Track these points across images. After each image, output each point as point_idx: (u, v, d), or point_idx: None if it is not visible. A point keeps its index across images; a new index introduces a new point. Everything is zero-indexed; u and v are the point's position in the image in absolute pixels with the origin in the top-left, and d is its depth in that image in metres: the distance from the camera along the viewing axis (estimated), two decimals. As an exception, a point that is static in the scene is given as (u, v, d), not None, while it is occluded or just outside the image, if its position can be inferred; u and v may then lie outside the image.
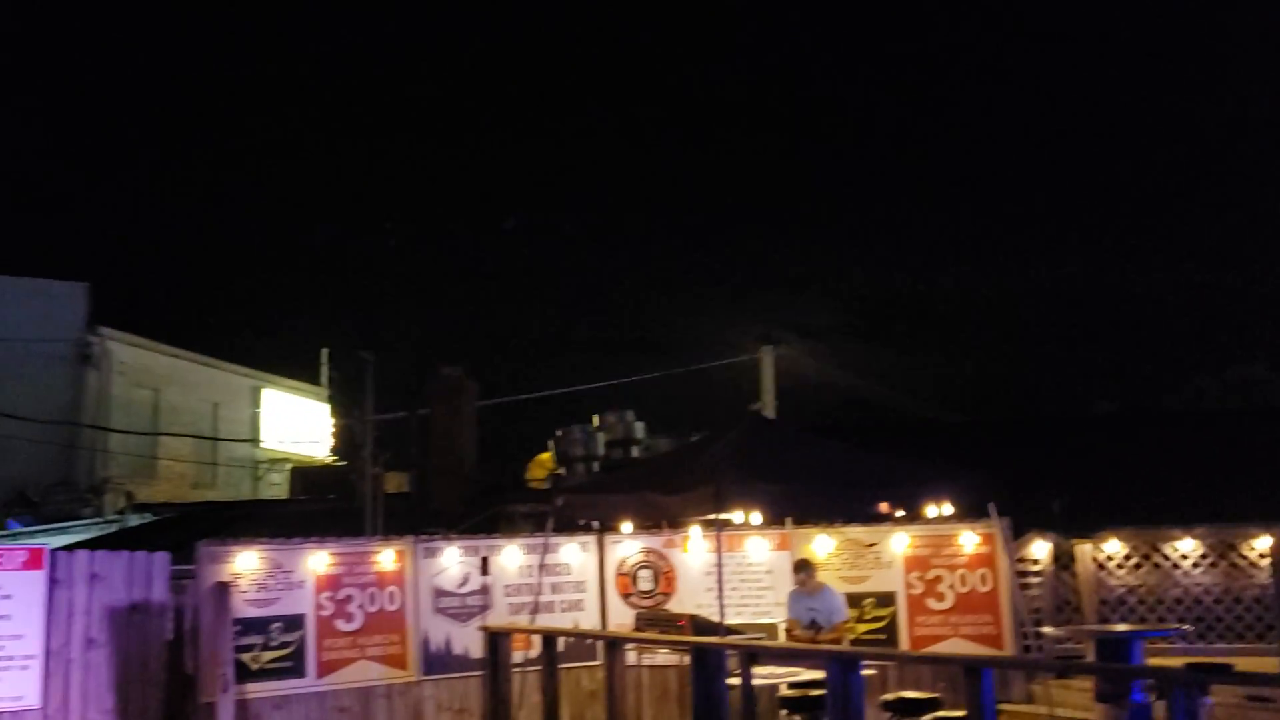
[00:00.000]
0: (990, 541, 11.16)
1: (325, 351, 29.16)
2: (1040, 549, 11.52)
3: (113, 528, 18.21)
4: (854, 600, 11.10)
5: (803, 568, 10.08)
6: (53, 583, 9.36)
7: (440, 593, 10.98)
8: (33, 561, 9.37)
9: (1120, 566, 11.26)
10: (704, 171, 53.70)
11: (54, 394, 21.25)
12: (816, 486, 9.33)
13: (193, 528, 14.06)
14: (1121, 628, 9.40)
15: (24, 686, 9.07)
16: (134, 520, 18.78)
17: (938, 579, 11.28)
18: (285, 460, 26.79)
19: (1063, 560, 11.52)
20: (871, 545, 11.45)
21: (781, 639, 10.04)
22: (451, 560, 11.10)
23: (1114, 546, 11.26)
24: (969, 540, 11.24)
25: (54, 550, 9.74)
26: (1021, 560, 11.52)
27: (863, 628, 11.22)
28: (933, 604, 11.26)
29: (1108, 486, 13.84)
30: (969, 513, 10.71)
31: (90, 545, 11.65)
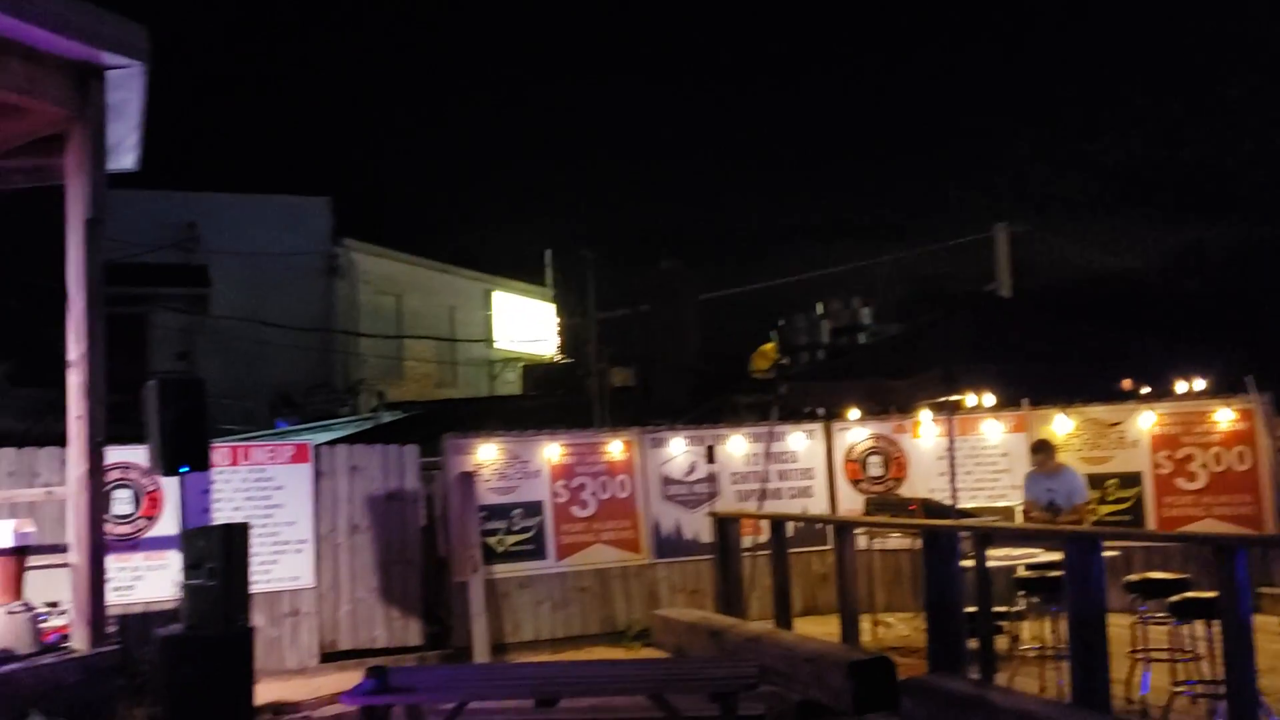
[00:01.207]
0: (1249, 418, 10.47)
1: (549, 253, 29.97)
2: (1307, 425, 10.73)
3: (368, 424, 19.48)
4: (1096, 481, 10.70)
5: (1041, 448, 9.74)
6: (318, 474, 10.17)
7: (668, 480, 11.28)
8: (299, 456, 10.19)
9: (1400, 442, 10.37)
10: (932, 46, 51.34)
11: (309, 303, 22.76)
12: (1053, 365, 8.98)
13: (437, 423, 14.86)
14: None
15: (300, 568, 9.96)
16: (386, 417, 20.02)
17: (1189, 458, 10.70)
18: (517, 359, 27.88)
19: (1332, 436, 10.70)
20: (1114, 424, 10.96)
21: (1018, 522, 9.80)
22: (677, 449, 11.36)
23: (1393, 420, 10.36)
24: (1224, 417, 10.58)
25: (317, 446, 10.55)
26: (1285, 437, 10.79)
27: (1105, 509, 10.82)
28: (1183, 484, 10.71)
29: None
30: (1224, 388, 10.07)
31: (348, 441, 12.52)
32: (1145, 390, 9.93)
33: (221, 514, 9.62)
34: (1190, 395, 9.89)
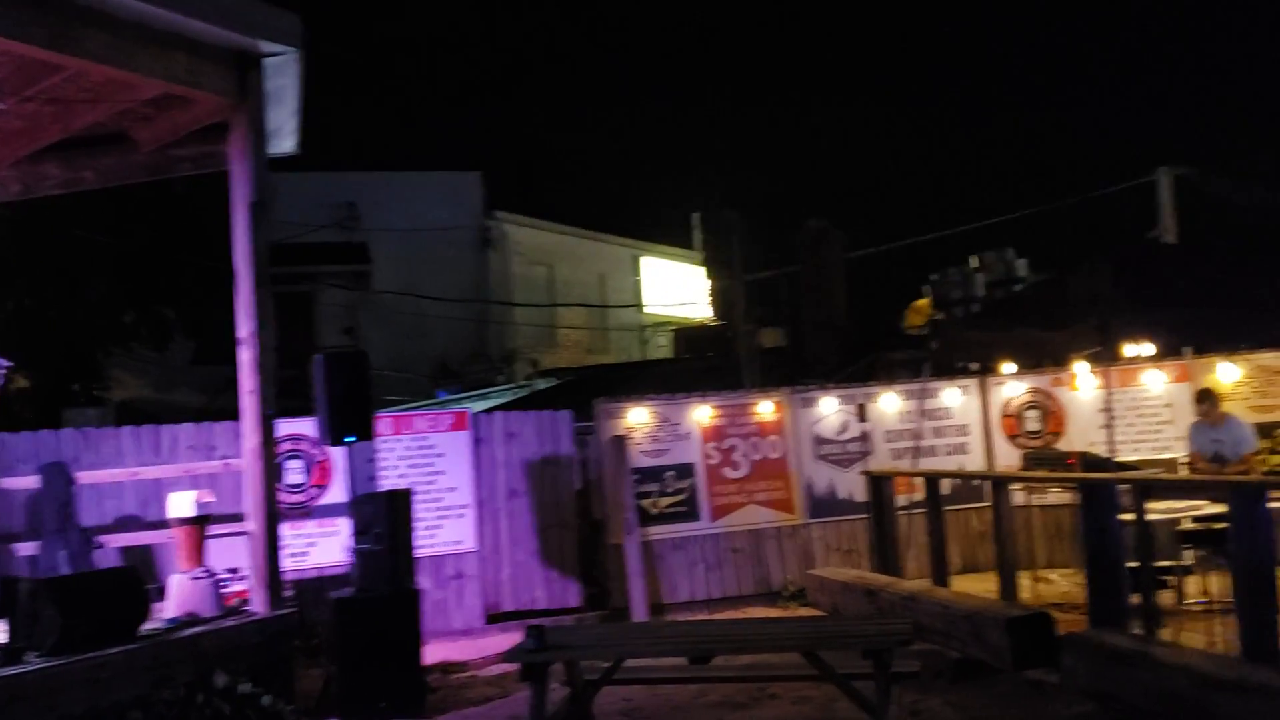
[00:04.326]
0: None
1: (696, 216, 29.96)
2: None
3: (523, 392, 19.97)
4: (1265, 430, 10.19)
5: (1205, 398, 9.35)
6: (476, 441, 10.52)
7: (820, 440, 11.25)
8: (459, 423, 10.56)
9: None
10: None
11: (464, 276, 23.38)
12: (1217, 312, 8.57)
13: (590, 389, 15.13)
14: None
15: (462, 532, 10.35)
16: (540, 385, 20.47)
17: (1370, 404, 10.09)
18: (667, 323, 28.05)
19: None
20: (1286, 371, 10.41)
21: (1183, 474, 9.44)
22: (829, 409, 11.31)
23: None
24: None
25: (475, 414, 10.91)
26: None
27: (1276, 459, 10.31)
28: (1364, 432, 10.12)
29: None
30: None
31: (504, 409, 12.88)
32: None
33: (387, 481, 10.05)
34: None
